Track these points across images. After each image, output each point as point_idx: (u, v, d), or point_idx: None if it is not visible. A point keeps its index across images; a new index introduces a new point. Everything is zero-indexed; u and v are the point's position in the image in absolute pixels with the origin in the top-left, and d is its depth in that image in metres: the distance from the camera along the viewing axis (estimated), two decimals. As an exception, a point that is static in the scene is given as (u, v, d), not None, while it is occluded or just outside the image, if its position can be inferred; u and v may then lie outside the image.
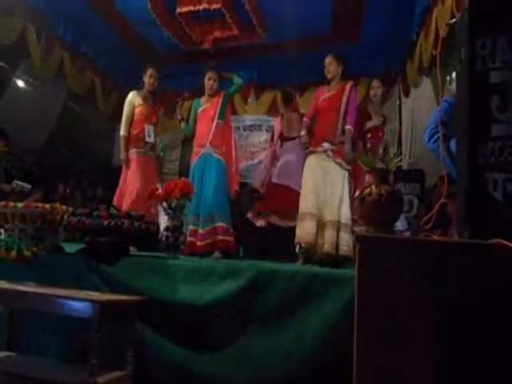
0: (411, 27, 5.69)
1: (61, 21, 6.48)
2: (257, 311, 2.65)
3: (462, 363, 1.55)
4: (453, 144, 2.15)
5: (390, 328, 1.61)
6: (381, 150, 4.51)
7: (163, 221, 4.58)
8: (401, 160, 6.11)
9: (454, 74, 2.35)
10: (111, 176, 6.56)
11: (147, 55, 6.84)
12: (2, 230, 3.23)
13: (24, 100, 7.08)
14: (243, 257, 5.04)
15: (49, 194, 6.70)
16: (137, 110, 4.71)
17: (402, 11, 5.56)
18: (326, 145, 4.03)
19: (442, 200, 2.09)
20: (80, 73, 7.12)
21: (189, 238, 4.17)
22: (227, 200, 4.38)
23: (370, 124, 4.67)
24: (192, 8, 5.56)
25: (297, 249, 3.92)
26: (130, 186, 4.52)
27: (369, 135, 4.49)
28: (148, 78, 4.76)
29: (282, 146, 5.26)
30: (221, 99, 4.54)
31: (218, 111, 4.48)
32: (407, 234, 5.04)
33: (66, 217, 3.20)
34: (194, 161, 4.50)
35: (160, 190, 3.69)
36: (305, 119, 4.37)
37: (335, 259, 3.71)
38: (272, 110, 7.76)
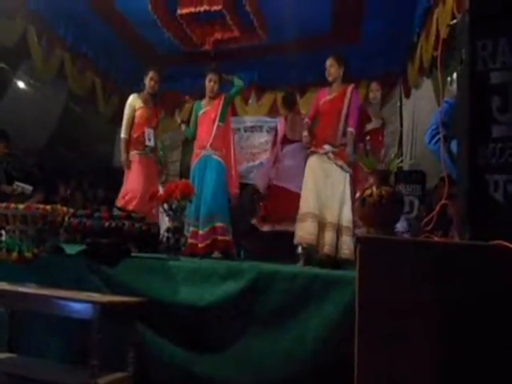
0: (412, 28, 5.69)
1: (61, 22, 6.49)
2: (257, 312, 2.65)
3: (462, 365, 1.55)
4: (454, 145, 2.15)
5: (390, 329, 1.61)
6: (382, 153, 4.52)
7: (164, 222, 4.59)
8: (402, 161, 6.11)
9: (454, 75, 2.36)
10: (112, 177, 6.58)
11: (148, 57, 6.86)
12: (3, 232, 3.23)
13: (25, 101, 7.09)
14: (244, 258, 5.04)
15: (49, 196, 6.70)
16: (137, 113, 4.72)
17: (403, 12, 5.56)
18: (327, 147, 4.03)
19: (443, 201, 2.09)
20: (80, 74, 7.12)
21: (190, 240, 4.18)
22: (226, 201, 4.40)
23: (369, 126, 4.68)
24: (193, 9, 5.57)
25: (298, 249, 3.91)
26: (132, 187, 4.53)
27: (368, 137, 4.49)
28: (149, 80, 4.77)
29: (282, 150, 5.25)
30: (221, 102, 4.55)
31: (218, 114, 4.50)
32: (407, 235, 5.03)
33: (66, 218, 3.20)
34: (194, 162, 4.52)
35: (161, 192, 3.70)
36: (306, 120, 4.37)
37: (335, 261, 3.71)
38: (273, 111, 7.76)
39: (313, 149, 4.10)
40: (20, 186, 5.27)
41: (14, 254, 3.08)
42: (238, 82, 4.59)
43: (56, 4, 5.95)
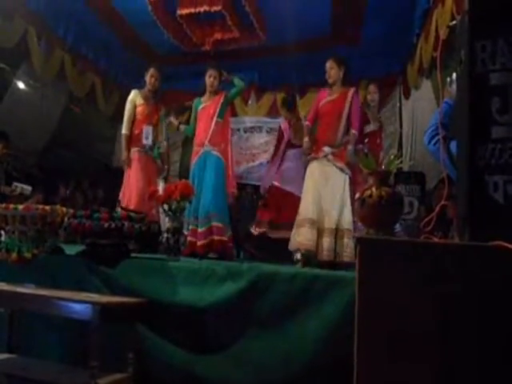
0: (411, 29, 5.69)
1: (61, 23, 6.49)
2: (257, 313, 2.65)
3: (462, 366, 1.55)
4: (453, 146, 2.15)
5: (390, 330, 1.61)
6: (380, 155, 4.52)
7: (164, 222, 4.59)
8: (401, 162, 6.11)
9: (454, 76, 2.36)
10: (112, 177, 6.57)
11: (148, 56, 6.86)
12: (3, 232, 3.23)
13: (25, 102, 7.08)
14: (243, 259, 5.03)
15: (49, 196, 6.70)
16: (138, 110, 4.72)
17: (402, 13, 5.57)
18: (326, 149, 4.02)
19: (443, 202, 2.09)
20: (81, 75, 7.13)
21: (189, 238, 4.19)
22: (226, 201, 4.39)
23: (367, 129, 4.69)
24: (193, 10, 5.58)
25: (298, 256, 3.89)
26: (132, 186, 4.53)
27: (366, 140, 4.49)
28: (149, 77, 4.77)
29: (285, 152, 5.25)
30: (222, 99, 4.54)
31: (217, 110, 4.50)
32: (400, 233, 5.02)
33: (66, 219, 3.20)
34: (193, 160, 4.52)
35: (161, 189, 3.70)
36: (306, 123, 4.36)
37: (335, 265, 3.70)
38: (272, 112, 7.77)
39: (313, 155, 4.09)
40: (19, 186, 5.27)
41: (14, 255, 3.08)
42: (238, 83, 4.60)
43: (56, 5, 5.96)
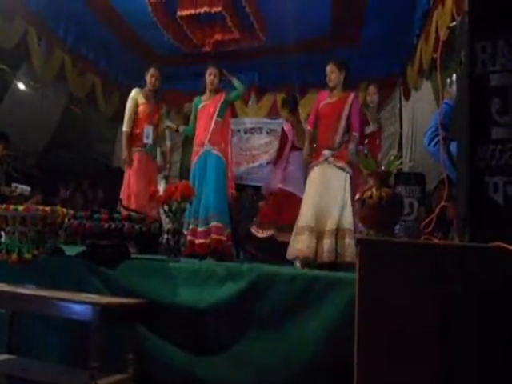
0: (411, 30, 5.70)
1: (61, 24, 6.50)
2: (257, 314, 2.64)
3: (462, 366, 1.55)
4: (453, 147, 2.15)
5: (390, 331, 1.61)
6: (379, 156, 4.52)
7: (165, 222, 4.58)
8: (401, 163, 6.11)
9: (453, 77, 2.36)
10: (112, 178, 6.57)
11: (148, 57, 6.86)
12: (3, 233, 3.23)
13: (25, 103, 7.09)
14: (243, 260, 5.03)
15: (49, 197, 6.70)
16: (140, 109, 4.72)
17: (402, 14, 5.57)
18: (326, 152, 4.03)
19: (443, 203, 2.09)
20: (81, 75, 7.14)
21: (189, 238, 4.18)
22: (226, 201, 4.39)
23: (367, 130, 4.69)
24: (193, 11, 5.58)
25: (297, 263, 3.88)
26: (132, 186, 4.54)
27: (366, 141, 4.50)
28: (150, 77, 4.77)
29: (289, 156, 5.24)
30: (222, 98, 4.53)
31: (217, 109, 4.48)
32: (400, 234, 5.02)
33: (66, 220, 3.20)
34: (194, 160, 4.51)
35: (161, 189, 3.70)
36: (308, 128, 4.34)
37: (335, 265, 3.69)
38: (272, 113, 7.77)
39: (314, 162, 4.09)
40: (19, 187, 5.27)
41: (14, 256, 3.08)
42: (239, 86, 4.59)
43: (56, 5, 5.97)
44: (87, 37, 6.90)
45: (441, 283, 1.58)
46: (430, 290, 1.59)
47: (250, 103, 7.99)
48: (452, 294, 1.57)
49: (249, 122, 7.70)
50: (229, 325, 2.70)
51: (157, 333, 2.76)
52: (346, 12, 5.90)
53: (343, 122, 4.08)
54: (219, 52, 6.29)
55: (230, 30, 5.93)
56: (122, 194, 4.59)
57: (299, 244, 3.83)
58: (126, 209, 3.79)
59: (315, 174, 4.04)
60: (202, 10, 5.51)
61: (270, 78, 7.83)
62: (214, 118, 4.47)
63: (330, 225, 3.80)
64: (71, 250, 3.29)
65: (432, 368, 1.56)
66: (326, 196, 3.90)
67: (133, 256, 3.25)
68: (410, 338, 1.59)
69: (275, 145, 7.09)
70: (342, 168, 3.97)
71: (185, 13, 5.65)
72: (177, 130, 4.97)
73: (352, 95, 4.15)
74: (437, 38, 4.55)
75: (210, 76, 4.57)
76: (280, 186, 5.10)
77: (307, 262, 3.80)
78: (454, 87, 2.29)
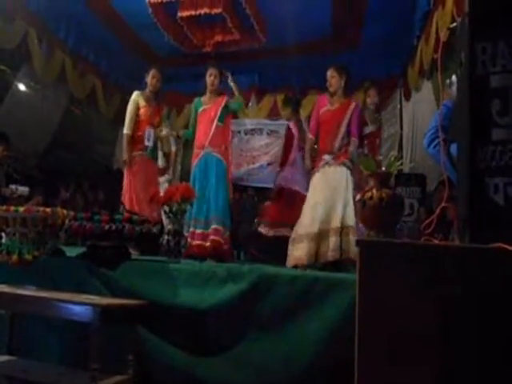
0: (412, 31, 5.70)
1: (62, 25, 6.51)
2: (258, 315, 2.64)
3: (463, 368, 1.55)
4: (453, 148, 2.15)
5: (390, 332, 1.61)
6: (379, 157, 4.52)
7: (166, 224, 4.58)
8: (402, 163, 6.11)
9: (453, 78, 2.36)
10: (112, 179, 6.58)
11: (148, 58, 6.87)
12: (3, 234, 3.23)
13: (25, 104, 7.10)
14: (244, 261, 5.03)
15: (49, 198, 6.71)
16: (141, 111, 4.70)
17: (403, 16, 5.58)
18: (326, 157, 4.03)
19: (443, 204, 2.09)
20: (81, 76, 7.15)
21: (189, 240, 4.18)
22: (227, 203, 4.37)
23: (366, 130, 4.69)
24: (193, 12, 5.59)
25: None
26: (133, 189, 4.53)
27: (365, 141, 4.49)
28: (151, 78, 4.76)
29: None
30: (223, 102, 4.52)
31: (218, 114, 4.47)
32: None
33: (67, 221, 3.20)
34: (194, 163, 4.50)
35: (161, 194, 3.70)
36: (310, 137, 4.33)
37: (339, 265, 3.68)
38: (273, 114, 7.77)
39: (315, 168, 4.09)
40: (19, 188, 5.26)
41: (14, 257, 3.08)
42: (240, 100, 4.61)
43: (56, 7, 5.97)
44: (88, 38, 6.91)
45: (441, 284, 1.58)
46: (430, 291, 1.58)
47: (250, 104, 7.99)
48: (452, 295, 1.57)
49: (249, 123, 7.70)
50: (229, 326, 2.70)
51: (157, 334, 2.76)
52: (347, 13, 5.91)
53: (343, 129, 4.08)
54: (219, 53, 6.30)
55: (231, 31, 5.94)
56: (123, 198, 4.58)
57: (298, 252, 3.81)
58: (130, 213, 3.78)
59: (317, 178, 4.04)
60: (203, 11, 5.52)
61: (270, 79, 7.84)
62: (215, 122, 4.45)
63: (335, 223, 3.78)
64: (72, 251, 3.29)
65: (432, 369, 1.56)
66: (330, 196, 3.89)
67: (133, 257, 3.25)
68: (411, 339, 1.59)
69: (275, 146, 7.10)
70: (342, 163, 3.96)
71: (185, 14, 5.66)
72: (178, 136, 4.96)
73: (353, 105, 4.14)
74: (437, 39, 4.56)
75: (211, 77, 4.56)
76: (286, 184, 5.08)
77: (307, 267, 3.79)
78: (454, 88, 2.29)
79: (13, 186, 5.15)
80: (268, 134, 7.46)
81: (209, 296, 2.76)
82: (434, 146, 2.42)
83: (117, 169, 7.66)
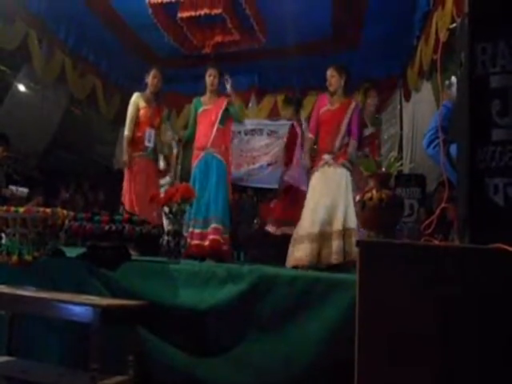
0: (412, 32, 5.71)
1: (62, 26, 6.52)
2: (258, 316, 2.64)
3: (463, 368, 1.55)
4: (453, 149, 2.15)
5: (391, 333, 1.61)
6: (378, 158, 4.53)
7: (166, 224, 4.59)
8: (402, 164, 6.11)
9: (452, 79, 2.36)
10: (112, 180, 6.58)
11: (148, 59, 6.88)
12: (3, 235, 3.23)
13: (25, 104, 7.11)
14: (243, 261, 5.03)
15: (50, 198, 6.71)
16: (141, 113, 4.70)
17: (403, 16, 5.58)
18: (326, 157, 4.02)
19: (443, 204, 2.09)
20: (81, 77, 7.15)
21: (189, 240, 4.18)
22: (227, 204, 4.37)
23: (366, 132, 4.69)
24: (193, 13, 5.60)
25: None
26: (133, 190, 4.53)
27: (366, 144, 4.50)
28: (152, 78, 4.75)
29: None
30: (224, 105, 4.50)
31: (219, 117, 4.46)
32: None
33: (67, 221, 3.20)
34: (194, 164, 4.50)
35: (162, 194, 3.70)
36: (310, 136, 4.33)
37: (343, 267, 3.67)
38: (273, 115, 7.78)
39: (315, 167, 4.09)
40: (19, 190, 5.26)
41: (14, 257, 3.08)
42: (238, 108, 4.63)
43: (57, 7, 5.98)
44: (88, 39, 6.92)
45: (441, 285, 1.58)
46: (430, 291, 1.59)
47: (250, 105, 7.99)
48: (452, 296, 1.57)
49: (249, 123, 7.70)
50: (229, 326, 2.70)
51: (157, 334, 2.76)
52: (347, 14, 5.91)
53: (343, 129, 4.07)
54: (219, 54, 6.30)
55: (230, 31, 5.95)
56: (124, 199, 4.58)
57: (299, 252, 3.80)
58: (130, 213, 3.79)
59: (316, 178, 4.04)
60: (203, 12, 5.53)
61: (270, 79, 7.85)
62: (216, 125, 4.45)
63: (337, 225, 3.77)
64: (72, 252, 3.29)
65: (432, 370, 1.56)
66: (328, 195, 3.89)
67: (133, 258, 3.25)
68: (411, 339, 1.59)
69: (276, 146, 7.10)
70: (342, 165, 3.96)
71: (185, 15, 5.67)
72: (180, 140, 4.94)
73: (353, 104, 4.14)
74: (437, 40, 4.56)
75: (210, 77, 4.56)
76: (294, 183, 5.08)
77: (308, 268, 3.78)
78: (453, 89, 2.29)
79: (13, 187, 5.15)
80: (268, 134, 7.47)
81: (209, 296, 2.76)
82: (434, 147, 2.42)
83: (117, 169, 7.66)
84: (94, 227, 3.10)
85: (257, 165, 7.31)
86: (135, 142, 4.65)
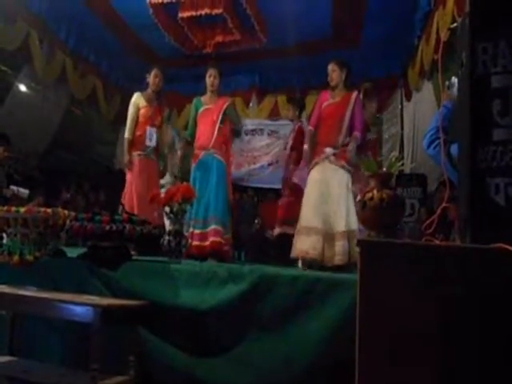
0: (412, 31, 5.71)
1: (63, 26, 6.53)
2: (259, 316, 2.64)
3: (463, 368, 1.55)
4: (453, 149, 2.15)
5: (391, 333, 1.61)
6: (380, 158, 4.53)
7: (167, 224, 4.59)
8: (403, 164, 6.11)
9: (452, 79, 2.36)
10: (113, 180, 6.59)
11: (149, 59, 6.88)
12: (5, 235, 3.23)
13: (26, 104, 7.12)
14: (244, 261, 5.03)
15: (51, 199, 6.72)
16: (141, 112, 4.69)
17: (403, 16, 5.58)
18: (328, 150, 4.00)
19: (444, 204, 2.09)
20: (82, 77, 7.16)
21: (190, 240, 4.18)
22: (227, 204, 4.36)
23: (368, 136, 4.70)
24: (194, 13, 5.60)
25: (299, 263, 3.87)
26: (133, 190, 4.53)
27: (368, 148, 4.50)
28: (153, 77, 4.74)
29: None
30: (225, 105, 4.49)
31: (220, 117, 4.45)
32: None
33: (68, 221, 3.20)
34: (194, 164, 4.50)
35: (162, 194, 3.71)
36: (310, 128, 4.33)
37: (346, 268, 3.66)
38: (274, 115, 7.78)
39: (315, 159, 4.07)
40: (20, 190, 5.26)
41: (16, 257, 3.09)
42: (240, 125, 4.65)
43: (57, 8, 5.98)
44: (88, 39, 6.93)
45: (442, 285, 1.58)
46: (431, 291, 1.58)
47: (251, 105, 8.00)
48: (453, 296, 1.57)
49: (250, 123, 7.71)
50: (230, 326, 2.70)
51: (158, 334, 2.76)
52: (347, 14, 5.91)
53: (346, 123, 4.05)
54: (220, 53, 6.31)
55: (231, 31, 5.95)
56: (124, 198, 4.58)
57: (304, 245, 3.80)
58: (129, 213, 3.79)
59: (316, 172, 4.02)
60: (203, 12, 5.53)
61: (270, 79, 7.85)
62: (217, 125, 4.43)
63: (341, 227, 3.77)
64: (72, 252, 3.30)
65: (433, 370, 1.56)
66: (329, 195, 3.88)
67: (134, 258, 3.25)
68: (411, 339, 1.59)
69: (276, 146, 7.11)
70: (342, 167, 3.95)
71: (186, 14, 5.67)
72: (187, 141, 4.84)
73: (354, 94, 4.13)
74: (438, 39, 4.56)
75: (210, 77, 4.54)
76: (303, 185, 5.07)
77: (312, 264, 3.78)
78: (454, 89, 2.29)
79: (14, 188, 5.15)
80: (269, 134, 7.48)
81: (209, 297, 2.76)
82: (434, 147, 2.42)
83: (118, 169, 7.67)
84: (95, 227, 3.10)
85: (257, 165, 7.32)
86: (135, 142, 4.64)
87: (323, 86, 4.42)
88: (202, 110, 4.55)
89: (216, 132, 4.40)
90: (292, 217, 4.79)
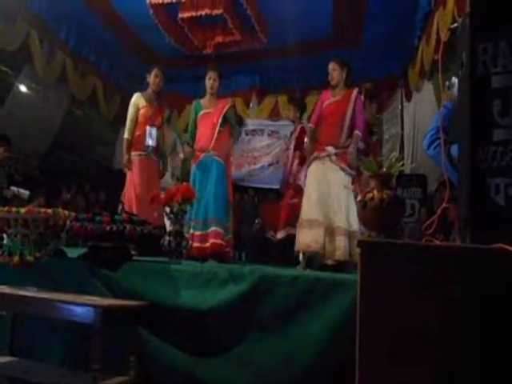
0: (413, 32, 5.71)
1: (63, 26, 6.53)
2: (259, 316, 2.64)
3: (464, 368, 1.55)
4: (454, 149, 2.15)
5: (392, 333, 1.61)
6: (380, 158, 4.53)
7: (167, 225, 4.59)
8: (403, 164, 6.11)
9: (453, 79, 2.36)
10: (113, 180, 6.59)
11: (149, 59, 6.89)
12: (5, 235, 3.24)
13: (27, 105, 7.12)
14: (245, 262, 5.03)
15: (51, 199, 6.72)
16: (141, 112, 4.68)
17: (404, 16, 5.58)
18: (329, 149, 3.99)
19: (444, 205, 2.09)
20: (82, 78, 7.17)
21: (190, 241, 4.18)
22: (227, 206, 4.36)
23: (369, 139, 4.70)
24: (194, 13, 5.60)
25: (300, 256, 3.87)
26: (133, 190, 4.53)
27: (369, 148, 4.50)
28: (154, 77, 4.73)
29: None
30: (225, 109, 4.48)
31: (220, 120, 4.44)
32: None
33: (68, 222, 3.20)
34: (194, 165, 4.50)
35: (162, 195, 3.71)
36: (310, 125, 4.33)
37: (347, 268, 3.66)
38: (274, 115, 7.78)
39: (315, 154, 4.06)
40: (20, 191, 5.27)
41: (16, 258, 3.09)
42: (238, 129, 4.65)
43: (57, 8, 5.99)
44: (88, 39, 6.93)
45: (442, 285, 1.58)
46: (431, 291, 1.58)
47: (251, 105, 8.00)
48: (453, 296, 1.57)
49: (250, 123, 7.69)
50: (230, 327, 2.70)
51: (158, 335, 2.76)
52: (347, 14, 5.91)
53: (348, 121, 4.05)
54: (220, 54, 6.31)
55: (231, 31, 5.95)
56: (123, 198, 4.57)
57: (306, 238, 3.80)
58: (128, 213, 3.79)
59: (316, 167, 4.01)
60: (203, 12, 5.53)
61: (271, 80, 7.85)
62: (217, 128, 4.43)
63: (341, 222, 3.77)
64: (73, 252, 3.30)
65: (433, 370, 1.56)
66: (329, 196, 3.88)
67: (134, 258, 3.25)
68: (412, 339, 1.59)
69: (277, 146, 7.10)
70: (343, 169, 3.94)
71: (186, 15, 5.67)
72: (189, 144, 4.84)
73: (355, 91, 4.12)
74: (438, 40, 4.56)
75: (210, 80, 4.54)
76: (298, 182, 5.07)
77: (312, 258, 3.78)
78: (454, 90, 2.29)
79: (14, 188, 5.15)
80: (269, 134, 7.46)
81: (210, 297, 2.76)
82: (435, 148, 2.42)
83: (118, 169, 7.67)
84: (96, 227, 3.10)
85: (258, 165, 7.31)
86: (135, 142, 4.63)
87: (324, 85, 4.41)
88: (201, 113, 4.54)
89: (216, 135, 4.40)
90: (296, 218, 4.80)
